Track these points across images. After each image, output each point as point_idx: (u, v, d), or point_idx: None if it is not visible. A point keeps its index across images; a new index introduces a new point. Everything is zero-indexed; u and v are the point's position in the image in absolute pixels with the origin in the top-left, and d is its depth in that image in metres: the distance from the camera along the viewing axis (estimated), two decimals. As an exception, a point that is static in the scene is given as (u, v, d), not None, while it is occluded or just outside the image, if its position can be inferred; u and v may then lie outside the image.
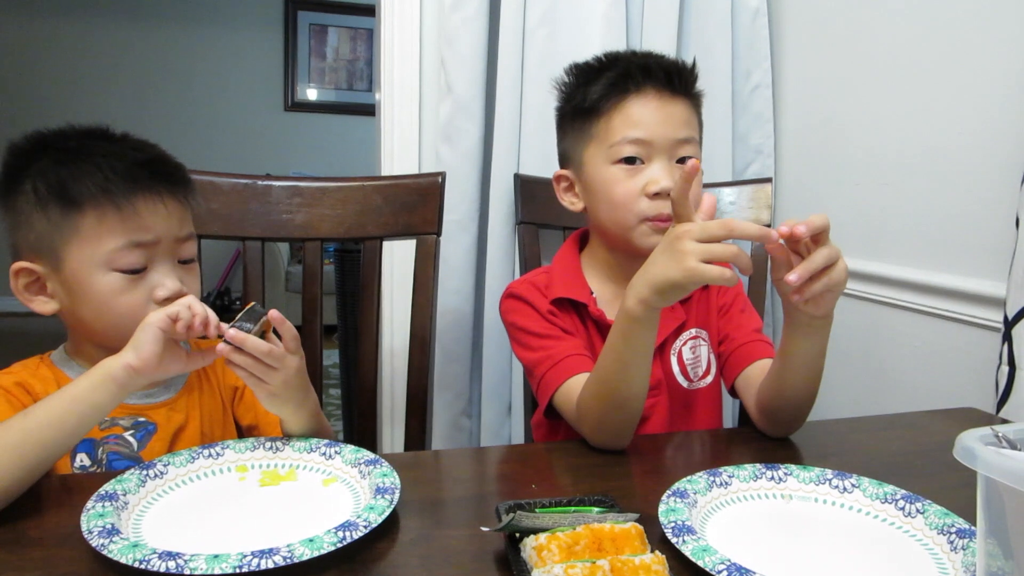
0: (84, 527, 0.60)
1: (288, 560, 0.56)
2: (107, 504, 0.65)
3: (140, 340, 0.74)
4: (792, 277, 0.73)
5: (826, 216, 0.74)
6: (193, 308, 0.77)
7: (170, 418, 0.89)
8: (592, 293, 1.07)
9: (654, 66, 0.99)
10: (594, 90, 1.01)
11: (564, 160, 1.10)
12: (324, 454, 0.79)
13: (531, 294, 1.05)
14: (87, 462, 0.83)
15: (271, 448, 0.80)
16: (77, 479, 0.75)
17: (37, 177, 0.81)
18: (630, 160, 0.99)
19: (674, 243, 0.74)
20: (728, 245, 0.72)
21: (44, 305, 0.84)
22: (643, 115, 0.98)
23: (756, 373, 0.99)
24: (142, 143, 0.88)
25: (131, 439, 0.86)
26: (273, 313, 0.80)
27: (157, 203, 0.83)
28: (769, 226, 1.53)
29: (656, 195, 0.98)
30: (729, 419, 1.42)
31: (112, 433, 0.85)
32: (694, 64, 1.03)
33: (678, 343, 1.07)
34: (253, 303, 0.81)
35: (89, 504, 0.64)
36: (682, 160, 0.99)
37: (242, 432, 0.97)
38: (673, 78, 0.99)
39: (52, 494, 0.70)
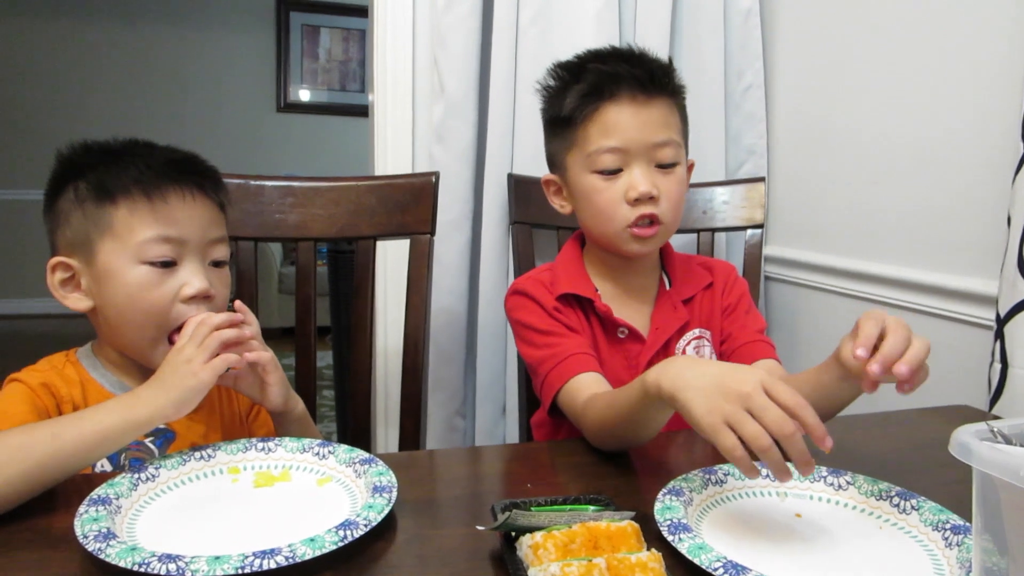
0: (79, 532, 0.59)
1: (290, 560, 0.56)
2: (100, 508, 0.64)
3: (189, 399, 0.77)
4: (875, 367, 0.71)
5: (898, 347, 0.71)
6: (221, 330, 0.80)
7: (190, 428, 0.89)
8: (596, 290, 1.07)
9: (625, 73, 0.97)
10: (569, 100, 1.00)
11: (551, 163, 1.10)
12: (318, 454, 0.79)
13: (536, 290, 1.05)
14: (108, 467, 0.83)
15: (263, 449, 0.80)
16: (68, 480, 0.75)
17: (79, 179, 0.84)
18: (609, 171, 0.99)
19: (728, 389, 0.64)
20: (763, 436, 0.61)
21: (78, 302, 0.86)
22: (618, 122, 0.97)
23: None
24: (181, 149, 0.90)
25: (151, 446, 0.86)
26: (237, 303, 0.86)
27: (187, 198, 0.85)
28: (762, 226, 1.54)
29: (636, 200, 0.98)
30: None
31: (133, 440, 0.85)
32: (670, 62, 1.03)
33: (682, 343, 1.07)
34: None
35: (82, 509, 0.64)
36: (663, 166, 0.99)
37: None
38: (645, 82, 0.98)
39: (44, 495, 0.69)
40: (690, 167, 1.10)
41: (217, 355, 0.78)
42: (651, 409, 0.75)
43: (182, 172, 0.85)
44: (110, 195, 0.82)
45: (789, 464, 0.63)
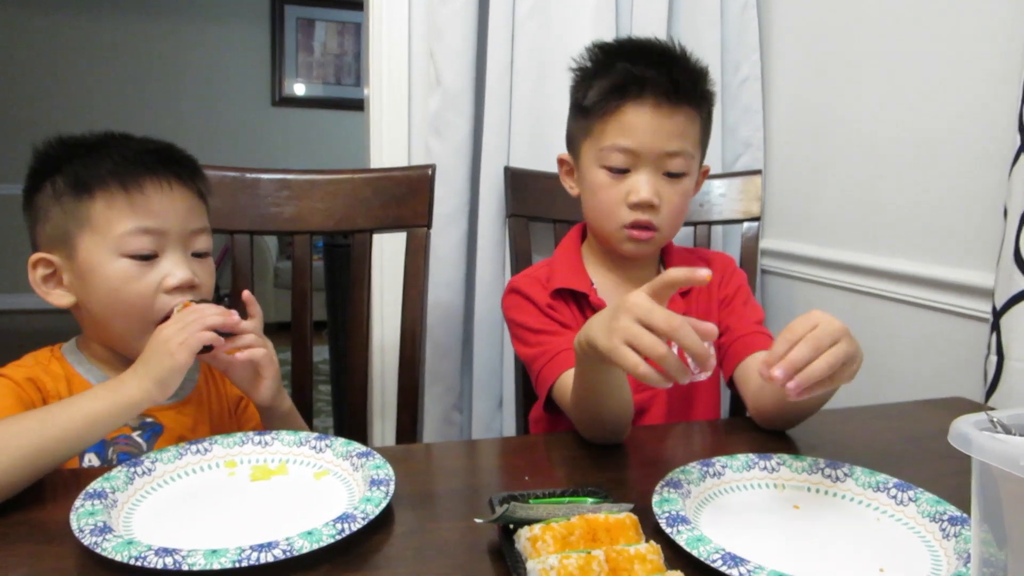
0: (75, 525, 0.59)
1: (288, 553, 0.56)
2: (96, 502, 0.64)
3: (171, 381, 0.75)
4: (777, 373, 0.65)
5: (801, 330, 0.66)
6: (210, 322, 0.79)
7: (177, 420, 0.89)
8: (592, 284, 1.07)
9: (652, 79, 0.97)
10: (593, 92, 1.00)
11: (569, 143, 1.11)
12: (315, 447, 0.79)
13: (532, 288, 1.06)
14: (96, 462, 0.83)
15: (260, 443, 0.80)
16: (63, 474, 0.74)
17: (56, 174, 0.83)
18: (616, 169, 1.00)
19: (618, 310, 0.67)
20: (658, 344, 0.63)
21: (61, 298, 0.85)
22: (636, 124, 0.98)
23: (755, 365, 0.98)
24: (157, 140, 0.89)
25: (139, 439, 0.86)
26: (245, 294, 0.87)
27: (164, 187, 0.84)
28: (758, 219, 1.54)
29: (636, 205, 0.99)
30: (724, 408, 1.42)
31: (121, 434, 0.85)
32: (701, 72, 1.02)
33: None
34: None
35: (78, 503, 0.63)
36: (671, 175, 1.00)
37: None
38: (670, 91, 0.97)
39: (39, 489, 0.69)
40: (705, 172, 1.10)
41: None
42: (593, 368, 0.76)
43: (158, 161, 0.85)
44: (87, 188, 0.81)
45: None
